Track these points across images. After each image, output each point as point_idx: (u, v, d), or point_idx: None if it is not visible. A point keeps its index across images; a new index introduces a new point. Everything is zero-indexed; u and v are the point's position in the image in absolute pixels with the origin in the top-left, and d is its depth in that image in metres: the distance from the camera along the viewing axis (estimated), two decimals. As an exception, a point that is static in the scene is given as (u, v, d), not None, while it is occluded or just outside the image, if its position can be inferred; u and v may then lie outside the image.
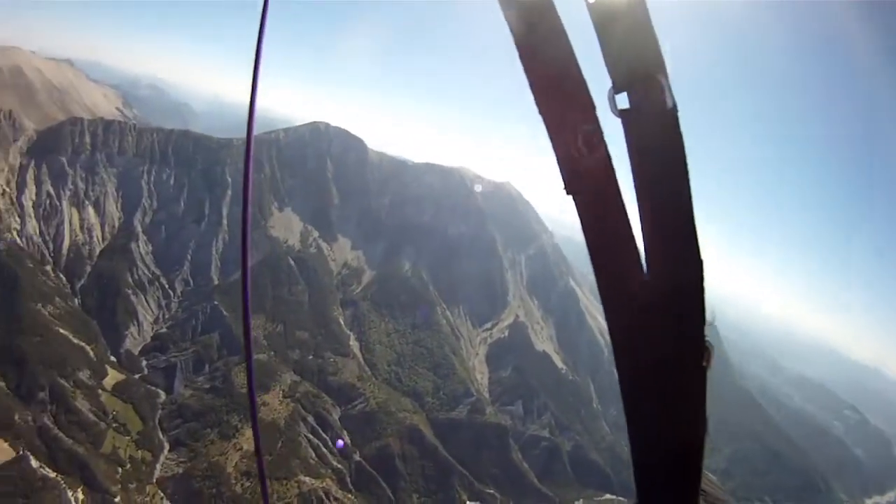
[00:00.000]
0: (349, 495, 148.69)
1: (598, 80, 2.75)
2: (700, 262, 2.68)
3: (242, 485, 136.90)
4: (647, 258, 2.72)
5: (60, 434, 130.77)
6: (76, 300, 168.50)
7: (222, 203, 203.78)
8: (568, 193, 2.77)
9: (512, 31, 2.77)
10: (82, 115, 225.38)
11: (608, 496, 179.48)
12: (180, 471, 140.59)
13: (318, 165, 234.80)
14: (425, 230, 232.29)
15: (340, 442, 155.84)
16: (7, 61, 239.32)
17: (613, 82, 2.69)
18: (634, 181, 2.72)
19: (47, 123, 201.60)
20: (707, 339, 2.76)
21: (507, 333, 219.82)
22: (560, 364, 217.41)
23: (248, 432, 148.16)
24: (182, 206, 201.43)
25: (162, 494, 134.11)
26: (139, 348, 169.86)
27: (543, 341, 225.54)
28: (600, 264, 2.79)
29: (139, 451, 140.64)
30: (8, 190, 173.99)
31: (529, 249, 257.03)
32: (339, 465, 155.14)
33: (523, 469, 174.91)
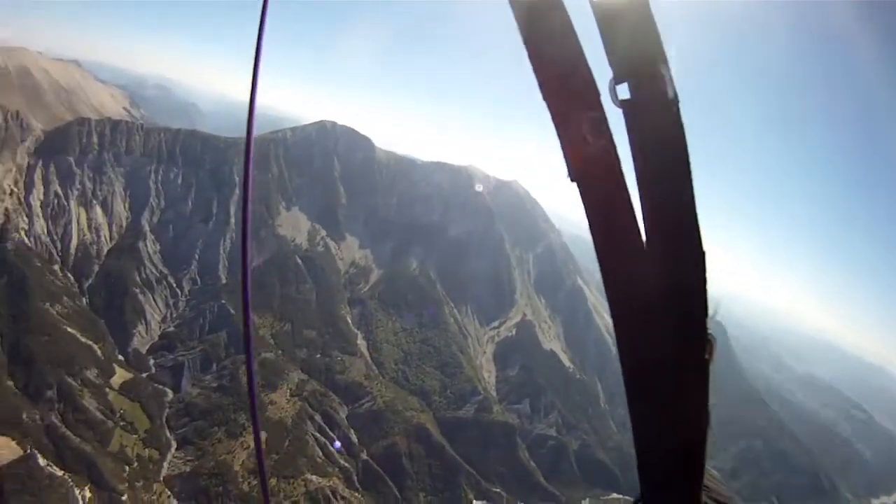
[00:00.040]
0: (356, 494, 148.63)
1: (598, 70, 2.72)
2: (702, 254, 2.68)
3: (249, 483, 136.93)
4: (649, 249, 2.70)
5: (68, 432, 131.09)
6: (84, 299, 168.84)
7: (230, 202, 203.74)
8: (572, 181, 2.76)
9: (517, 17, 2.74)
10: (90, 115, 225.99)
11: (615, 495, 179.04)
12: (187, 469, 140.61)
13: (326, 164, 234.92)
14: (433, 229, 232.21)
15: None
16: (14, 62, 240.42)
17: (614, 72, 2.68)
18: (636, 172, 2.70)
19: (55, 124, 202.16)
20: (710, 331, 2.75)
21: (514, 332, 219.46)
22: (567, 363, 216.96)
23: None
24: (190, 206, 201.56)
25: (169, 493, 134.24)
26: (147, 347, 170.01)
27: (551, 340, 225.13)
28: (603, 252, 2.77)
29: (146, 450, 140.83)
30: (16, 190, 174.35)
31: (537, 248, 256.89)
32: (346, 464, 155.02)
33: (530, 468, 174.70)
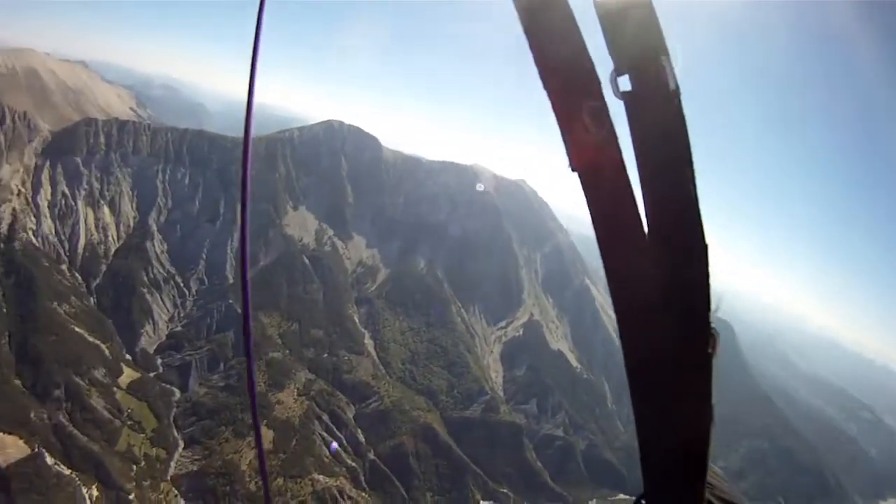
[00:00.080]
0: (363, 494, 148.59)
1: (600, 63, 2.71)
2: (704, 246, 2.66)
3: (256, 483, 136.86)
4: (651, 241, 2.69)
5: (75, 431, 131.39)
6: (92, 299, 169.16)
7: (237, 202, 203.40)
8: (573, 171, 2.75)
9: (517, 7, 2.72)
10: (97, 115, 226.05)
11: (622, 496, 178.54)
12: (195, 468, 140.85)
13: (333, 164, 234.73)
14: (440, 228, 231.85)
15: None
16: (22, 63, 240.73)
17: (616, 64, 2.66)
18: (637, 164, 2.68)
19: (62, 124, 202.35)
20: (713, 325, 2.72)
21: (521, 332, 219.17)
22: (575, 363, 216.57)
23: (263, 430, 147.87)
24: (197, 206, 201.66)
25: (176, 492, 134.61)
26: (154, 347, 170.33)
27: (558, 340, 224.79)
28: (605, 244, 2.77)
29: (154, 449, 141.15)
30: (23, 190, 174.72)
31: (545, 247, 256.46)
32: (353, 464, 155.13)
33: (537, 468, 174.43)
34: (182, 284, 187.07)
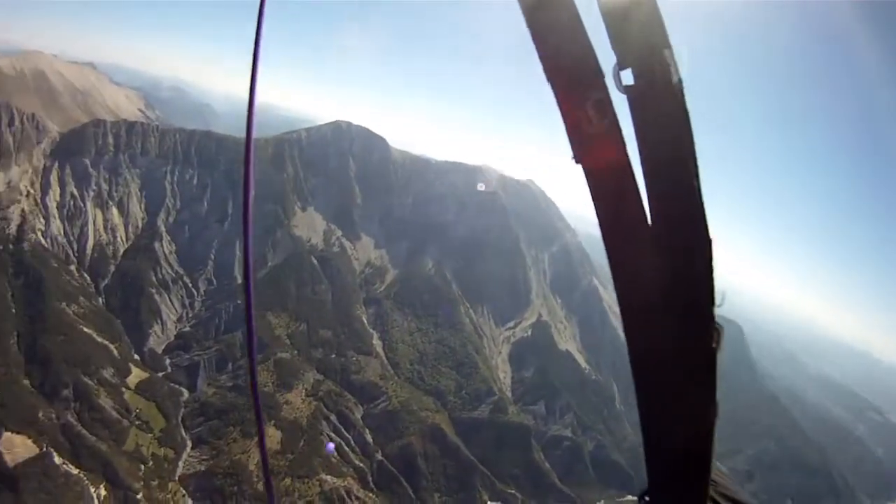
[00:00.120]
0: (370, 494, 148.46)
1: (602, 56, 2.72)
2: (708, 240, 2.64)
3: (274, 487, 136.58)
4: (654, 234, 2.69)
5: (84, 431, 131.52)
6: (100, 299, 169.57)
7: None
8: (577, 162, 2.75)
9: (521, 1, 2.71)
10: (105, 117, 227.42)
11: (630, 497, 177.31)
12: (202, 468, 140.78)
13: (341, 164, 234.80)
14: (448, 229, 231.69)
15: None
16: (30, 65, 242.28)
17: (618, 58, 2.65)
18: (641, 157, 2.66)
19: (70, 126, 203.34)
20: (717, 320, 2.72)
21: (530, 332, 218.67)
22: (583, 363, 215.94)
23: (271, 431, 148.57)
24: (205, 206, 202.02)
25: (184, 492, 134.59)
26: (163, 347, 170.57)
27: (566, 340, 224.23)
28: (609, 235, 2.78)
29: (162, 449, 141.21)
30: (32, 191, 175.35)
31: (552, 248, 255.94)
32: (361, 464, 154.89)
33: (545, 469, 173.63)
34: (190, 285, 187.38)
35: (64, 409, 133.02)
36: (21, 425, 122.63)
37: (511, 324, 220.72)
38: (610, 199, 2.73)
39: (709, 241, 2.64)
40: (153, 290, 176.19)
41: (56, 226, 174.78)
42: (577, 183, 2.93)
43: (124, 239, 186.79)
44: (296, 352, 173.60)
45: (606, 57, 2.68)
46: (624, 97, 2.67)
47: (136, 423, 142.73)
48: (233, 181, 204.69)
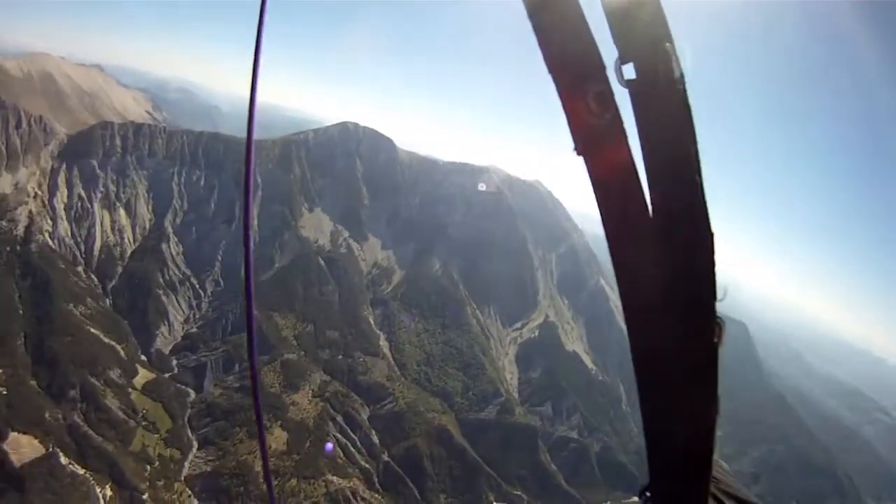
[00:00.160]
0: (376, 495, 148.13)
1: (604, 51, 2.71)
2: (710, 233, 2.63)
3: (273, 486, 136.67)
4: (656, 228, 2.68)
5: (90, 431, 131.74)
6: (107, 300, 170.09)
7: (253, 204, 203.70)
8: (578, 154, 2.75)
9: None
10: (112, 118, 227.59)
11: (636, 499, 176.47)
12: (208, 469, 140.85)
13: (348, 165, 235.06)
14: (455, 229, 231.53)
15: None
16: (38, 68, 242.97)
17: (620, 52, 2.64)
18: (642, 151, 2.65)
19: (78, 127, 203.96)
20: (719, 314, 2.70)
21: (537, 333, 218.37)
22: (590, 364, 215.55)
23: (277, 431, 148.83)
24: (212, 208, 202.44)
25: (190, 492, 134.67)
26: (169, 348, 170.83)
27: (573, 341, 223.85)
28: (610, 229, 2.77)
29: (168, 450, 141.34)
30: (40, 193, 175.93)
31: (560, 248, 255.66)
32: (367, 465, 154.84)
33: (551, 470, 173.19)
34: (197, 286, 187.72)
35: (70, 409, 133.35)
36: (28, 425, 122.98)
37: (518, 325, 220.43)
38: (611, 190, 2.72)
39: (710, 235, 2.62)
40: (160, 292, 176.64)
41: (63, 227, 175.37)
42: (583, 182, 2.90)
43: (131, 240, 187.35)
44: (302, 353, 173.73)
45: (608, 52, 2.68)
46: (626, 92, 2.66)
47: (143, 423, 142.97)
48: (240, 183, 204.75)
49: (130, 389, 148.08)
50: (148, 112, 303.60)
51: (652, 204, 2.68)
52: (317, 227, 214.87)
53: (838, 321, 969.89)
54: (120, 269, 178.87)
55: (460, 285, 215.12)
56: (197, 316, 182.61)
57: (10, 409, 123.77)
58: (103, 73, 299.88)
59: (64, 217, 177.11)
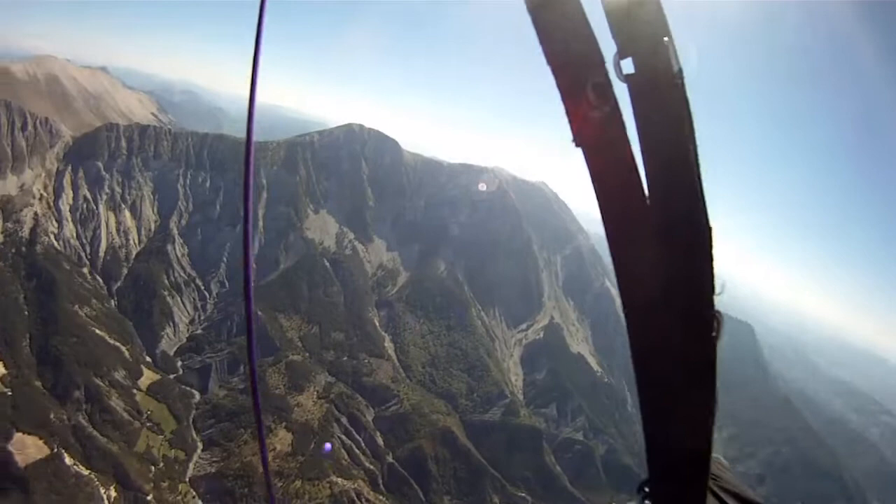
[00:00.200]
0: (381, 497, 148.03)
1: (603, 46, 2.72)
2: (708, 229, 2.64)
3: (274, 485, 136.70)
4: (654, 223, 2.68)
5: (95, 432, 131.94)
6: (112, 302, 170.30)
7: (258, 205, 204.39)
8: (577, 146, 2.74)
9: None
10: (118, 120, 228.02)
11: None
12: (213, 470, 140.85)
13: (353, 167, 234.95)
14: (460, 231, 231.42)
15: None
16: (43, 70, 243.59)
17: (619, 47, 2.64)
18: (641, 146, 2.65)
19: (83, 129, 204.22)
20: (723, 315, 2.72)
21: (542, 335, 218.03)
22: (595, 366, 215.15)
23: (281, 433, 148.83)
24: (217, 209, 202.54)
25: (194, 493, 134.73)
26: (174, 349, 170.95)
27: (579, 343, 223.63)
28: (608, 222, 2.76)
29: (172, 451, 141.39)
30: (45, 195, 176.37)
31: (565, 250, 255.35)
32: (371, 467, 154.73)
33: (556, 472, 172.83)
34: (203, 287, 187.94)
35: (75, 410, 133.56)
36: (32, 426, 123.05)
37: (523, 326, 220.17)
38: (610, 182, 2.71)
39: (709, 228, 2.63)
40: (165, 293, 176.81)
41: (69, 229, 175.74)
42: (586, 181, 2.87)
43: (137, 242, 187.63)
44: (307, 354, 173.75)
45: (607, 47, 2.68)
46: (625, 87, 2.65)
47: (148, 424, 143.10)
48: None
49: (135, 390, 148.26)
50: (153, 114, 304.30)
51: (650, 197, 2.67)
52: (322, 228, 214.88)
53: (844, 323, 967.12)
54: (125, 271, 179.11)
55: (465, 287, 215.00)
56: (202, 317, 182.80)
57: (15, 410, 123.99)
58: (108, 76, 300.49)
59: (69, 218, 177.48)
